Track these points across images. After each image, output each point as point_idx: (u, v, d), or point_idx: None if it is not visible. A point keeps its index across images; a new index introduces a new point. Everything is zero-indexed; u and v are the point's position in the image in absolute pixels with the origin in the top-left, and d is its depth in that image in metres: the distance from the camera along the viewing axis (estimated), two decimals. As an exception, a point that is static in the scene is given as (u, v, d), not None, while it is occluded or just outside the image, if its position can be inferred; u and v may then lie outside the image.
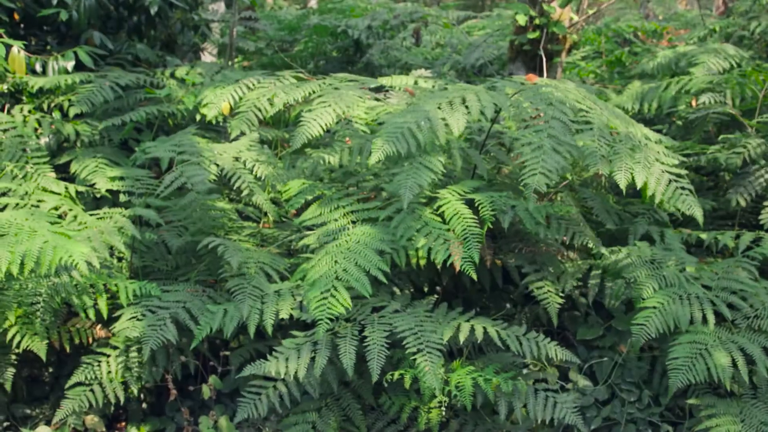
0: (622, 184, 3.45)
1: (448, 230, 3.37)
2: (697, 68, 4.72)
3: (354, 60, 7.82)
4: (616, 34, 8.74)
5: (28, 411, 4.02)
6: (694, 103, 5.01)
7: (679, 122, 5.04)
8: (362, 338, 3.38)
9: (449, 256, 3.28)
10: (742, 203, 4.16)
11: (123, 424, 4.11)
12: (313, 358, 3.42)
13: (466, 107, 3.55)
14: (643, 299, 3.48)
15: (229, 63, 6.81)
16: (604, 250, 3.76)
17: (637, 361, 3.91)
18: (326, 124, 3.63)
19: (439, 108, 3.50)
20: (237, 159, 4.07)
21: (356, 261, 3.30)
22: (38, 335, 3.65)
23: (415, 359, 3.30)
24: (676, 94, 4.67)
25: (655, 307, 3.43)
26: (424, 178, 3.38)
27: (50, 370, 4.14)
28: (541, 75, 5.48)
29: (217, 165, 4.05)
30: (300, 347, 3.45)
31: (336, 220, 3.67)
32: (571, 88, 3.77)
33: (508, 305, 4.12)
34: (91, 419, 3.96)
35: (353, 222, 3.65)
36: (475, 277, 3.28)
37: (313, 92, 3.99)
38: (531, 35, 5.32)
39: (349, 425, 3.72)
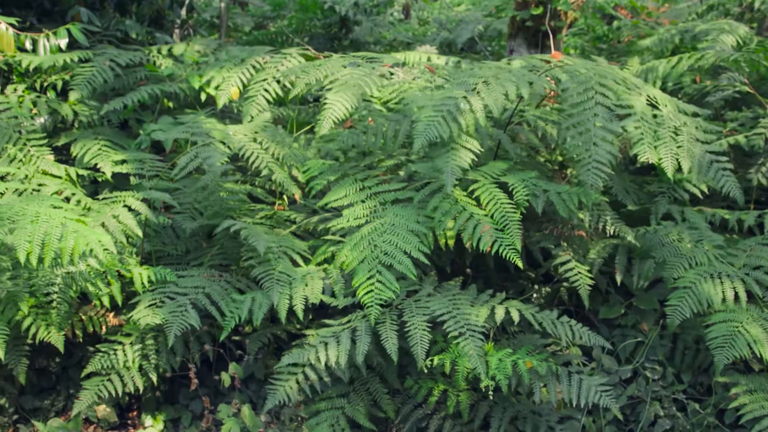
0: (669, 173, 3.39)
1: (486, 215, 3.30)
2: (706, 44, 4.70)
3: (340, 36, 7.67)
4: (597, 9, 8.73)
5: (38, 402, 3.89)
6: (698, 79, 5.00)
7: (685, 99, 5.02)
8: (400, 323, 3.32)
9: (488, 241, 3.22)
10: (764, 182, 4.17)
11: (135, 413, 4.00)
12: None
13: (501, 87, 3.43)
14: (675, 279, 3.47)
15: (221, 39, 6.62)
16: (632, 239, 3.72)
17: (660, 339, 3.91)
18: (351, 105, 3.52)
19: (475, 89, 3.40)
20: (253, 140, 3.93)
21: (396, 243, 3.22)
22: (53, 326, 3.51)
23: (448, 342, 3.24)
24: (687, 70, 4.65)
25: (687, 287, 3.42)
26: (465, 160, 3.30)
27: (57, 359, 3.99)
28: (543, 52, 5.42)
29: (232, 145, 3.92)
30: (338, 334, 3.36)
31: (363, 201, 3.56)
32: (606, 67, 3.71)
33: (535, 285, 4.08)
34: (104, 409, 3.84)
35: (381, 203, 3.55)
36: (521, 265, 3.23)
37: (331, 71, 3.87)
38: (534, 11, 5.25)
39: (375, 410, 3.66)
